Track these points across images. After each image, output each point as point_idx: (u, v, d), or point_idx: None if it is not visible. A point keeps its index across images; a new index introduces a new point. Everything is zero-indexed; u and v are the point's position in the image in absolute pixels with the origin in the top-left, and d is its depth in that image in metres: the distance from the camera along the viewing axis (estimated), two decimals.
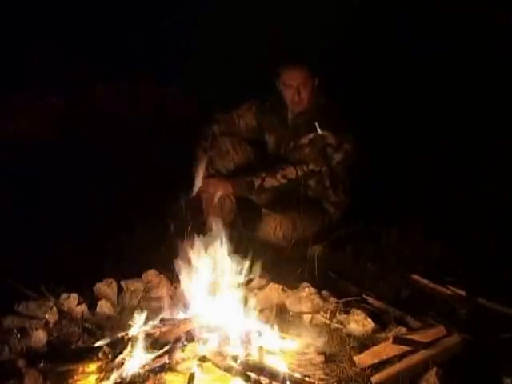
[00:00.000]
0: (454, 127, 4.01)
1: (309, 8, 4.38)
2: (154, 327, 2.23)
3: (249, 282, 2.67)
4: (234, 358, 2.05)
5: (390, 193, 3.57)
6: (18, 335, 2.25)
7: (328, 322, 2.39)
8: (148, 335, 2.14)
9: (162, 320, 2.27)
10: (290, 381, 1.99)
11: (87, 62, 4.36)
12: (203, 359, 2.06)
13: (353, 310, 2.41)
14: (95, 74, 4.51)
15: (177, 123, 4.33)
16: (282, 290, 2.60)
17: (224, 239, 2.45)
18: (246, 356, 2.08)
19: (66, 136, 4.39)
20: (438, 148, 3.91)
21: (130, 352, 2.09)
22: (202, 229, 2.64)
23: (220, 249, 2.42)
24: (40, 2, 4.38)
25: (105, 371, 2.03)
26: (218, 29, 4.47)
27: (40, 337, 2.25)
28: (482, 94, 4.01)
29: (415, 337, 2.17)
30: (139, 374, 2.00)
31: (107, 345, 2.13)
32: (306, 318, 2.45)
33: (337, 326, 2.37)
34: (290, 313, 2.51)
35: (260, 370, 2.00)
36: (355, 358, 2.12)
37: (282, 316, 2.47)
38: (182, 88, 4.65)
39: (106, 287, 2.64)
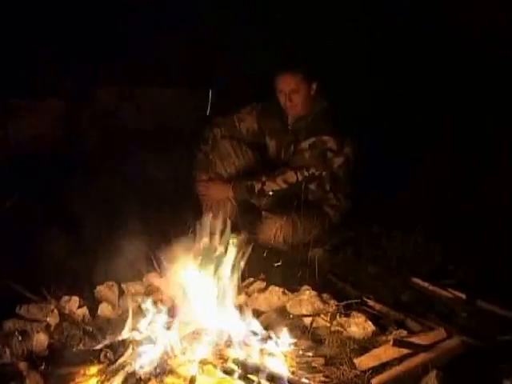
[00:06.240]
0: (454, 128, 4.01)
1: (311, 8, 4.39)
2: (155, 330, 2.24)
3: (249, 284, 2.68)
4: (235, 361, 2.06)
5: (390, 195, 3.57)
6: (20, 338, 2.24)
7: (328, 324, 2.40)
8: (149, 338, 2.15)
9: (162, 322, 2.27)
10: (291, 383, 2.00)
11: (88, 64, 4.36)
12: (204, 362, 2.07)
13: (353, 312, 2.42)
14: (96, 76, 4.51)
15: (178, 125, 4.34)
16: (283, 292, 2.61)
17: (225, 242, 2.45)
18: (246, 358, 2.09)
19: (67, 138, 4.40)
20: (438, 150, 3.92)
21: (131, 355, 2.09)
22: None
23: (220, 252, 2.43)
24: (41, 3, 4.39)
25: (106, 374, 2.04)
26: (219, 28, 4.47)
27: (41, 340, 2.25)
28: (481, 96, 4.02)
29: (415, 339, 2.18)
30: (140, 376, 2.01)
31: (108, 347, 2.14)
32: (307, 320, 2.46)
33: (337, 328, 2.38)
34: (291, 316, 2.52)
35: (261, 372, 2.00)
36: (355, 361, 2.13)
37: (282, 319, 2.47)
38: (184, 90, 4.66)
39: (106, 290, 2.65)
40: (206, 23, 4.50)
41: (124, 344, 2.15)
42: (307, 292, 2.56)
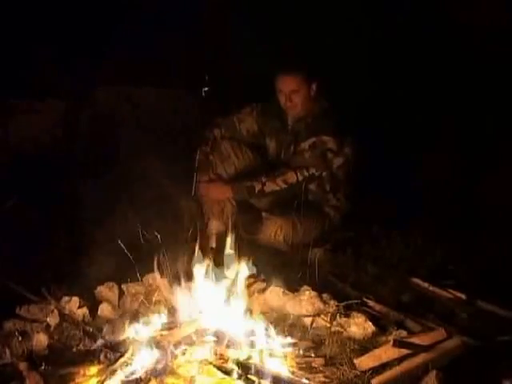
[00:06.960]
0: (454, 128, 4.01)
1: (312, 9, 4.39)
2: (155, 330, 2.24)
3: (250, 285, 2.68)
4: (235, 361, 2.06)
5: (390, 195, 3.57)
6: (20, 338, 2.25)
7: (328, 325, 2.39)
8: (149, 338, 2.15)
9: (162, 323, 2.27)
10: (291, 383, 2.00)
11: (88, 64, 4.36)
12: (204, 362, 2.07)
13: (353, 313, 2.42)
14: (96, 76, 4.51)
15: (178, 126, 4.34)
16: (283, 293, 2.61)
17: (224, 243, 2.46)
18: (247, 359, 2.09)
19: (67, 138, 4.40)
20: (438, 150, 3.92)
21: (131, 355, 2.09)
22: (204, 232, 2.65)
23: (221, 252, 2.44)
24: (41, 3, 4.40)
25: (106, 374, 2.03)
26: (219, 29, 4.47)
27: (41, 340, 2.25)
28: (481, 96, 4.02)
29: (415, 340, 2.18)
30: (140, 377, 2.00)
31: (108, 348, 2.14)
32: (307, 321, 2.46)
33: (337, 329, 2.38)
34: (291, 316, 2.52)
35: (261, 373, 2.00)
36: (355, 361, 2.12)
37: (282, 319, 2.47)
38: (184, 90, 4.65)
39: (107, 290, 2.65)
40: (206, 23, 4.50)
41: (124, 344, 2.16)
42: (307, 292, 2.56)
